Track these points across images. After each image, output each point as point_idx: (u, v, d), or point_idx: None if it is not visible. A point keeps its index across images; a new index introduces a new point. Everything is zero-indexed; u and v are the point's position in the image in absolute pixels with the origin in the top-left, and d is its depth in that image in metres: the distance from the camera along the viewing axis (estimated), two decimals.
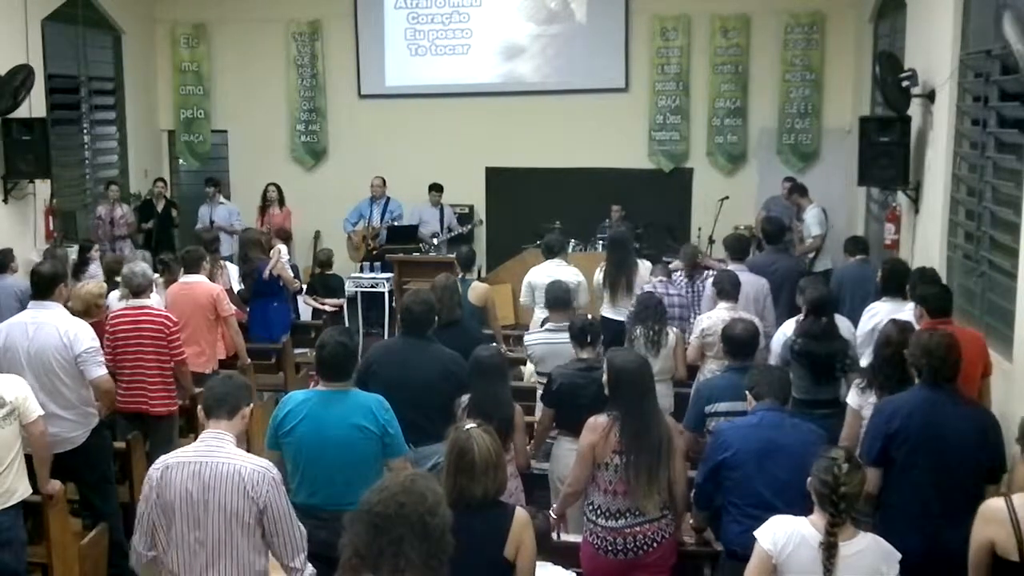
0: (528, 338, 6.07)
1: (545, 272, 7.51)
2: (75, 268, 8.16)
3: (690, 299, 7.23)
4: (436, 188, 11.15)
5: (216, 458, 3.39)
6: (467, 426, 3.40)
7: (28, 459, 4.57)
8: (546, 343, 5.86)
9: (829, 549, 3.19)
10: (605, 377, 4.32)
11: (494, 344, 6.46)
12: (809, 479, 3.32)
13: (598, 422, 4.16)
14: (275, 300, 8.40)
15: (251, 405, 3.60)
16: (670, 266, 7.70)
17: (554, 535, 4.35)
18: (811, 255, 9.76)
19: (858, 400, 4.68)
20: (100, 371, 5.14)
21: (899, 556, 3.31)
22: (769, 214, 10.19)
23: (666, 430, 4.12)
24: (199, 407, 3.62)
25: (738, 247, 7.36)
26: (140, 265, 6.18)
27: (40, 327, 5.06)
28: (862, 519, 3.83)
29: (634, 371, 4.18)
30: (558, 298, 6.10)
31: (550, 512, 4.51)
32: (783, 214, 10.12)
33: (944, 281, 5.91)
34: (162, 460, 3.49)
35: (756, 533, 3.36)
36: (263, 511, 3.37)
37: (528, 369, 6.62)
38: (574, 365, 5.13)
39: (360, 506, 2.55)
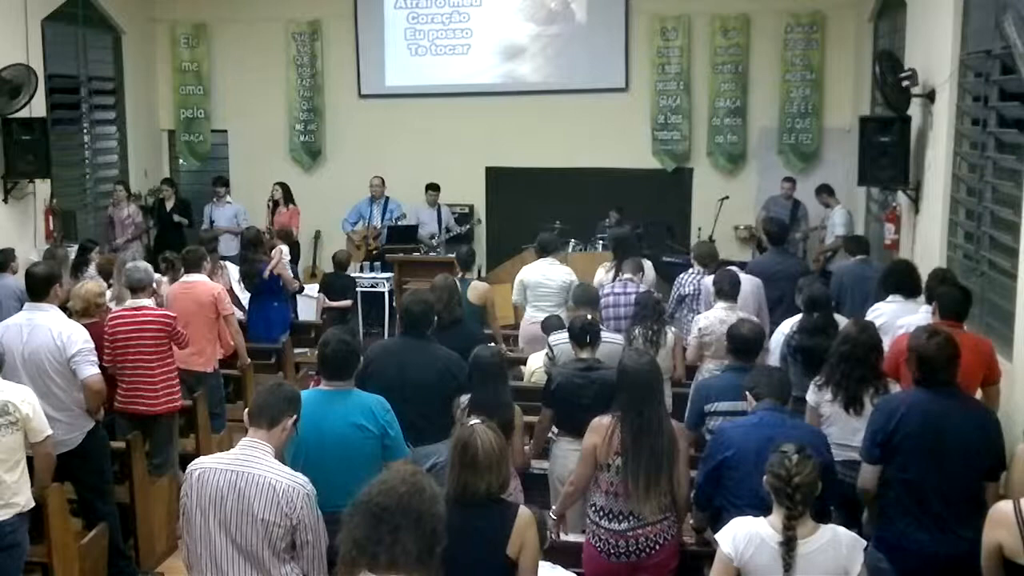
0: (552, 338, 6.04)
1: (537, 271, 7.54)
2: (74, 267, 8.17)
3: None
4: (433, 188, 11.11)
5: (251, 468, 3.35)
6: (472, 422, 3.41)
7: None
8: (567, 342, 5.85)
9: (788, 543, 3.19)
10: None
11: (493, 344, 6.45)
12: (764, 478, 3.32)
13: (602, 423, 4.16)
14: (275, 300, 8.39)
15: (295, 417, 3.52)
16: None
17: (552, 535, 4.35)
18: (828, 254, 9.82)
19: (815, 397, 4.69)
20: (91, 370, 5.11)
21: (864, 544, 3.31)
22: (769, 214, 10.25)
23: (670, 435, 4.10)
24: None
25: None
26: (143, 263, 6.20)
27: (35, 329, 5.06)
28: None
29: (637, 373, 4.15)
30: (591, 297, 6.12)
31: (550, 512, 4.51)
32: (782, 214, 10.18)
33: None
34: (197, 463, 3.47)
35: (717, 536, 3.36)
36: (296, 527, 3.34)
37: (528, 369, 6.61)
38: (573, 365, 5.12)
39: (360, 498, 2.56)
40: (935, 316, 4.91)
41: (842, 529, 3.33)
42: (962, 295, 4.97)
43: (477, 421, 3.42)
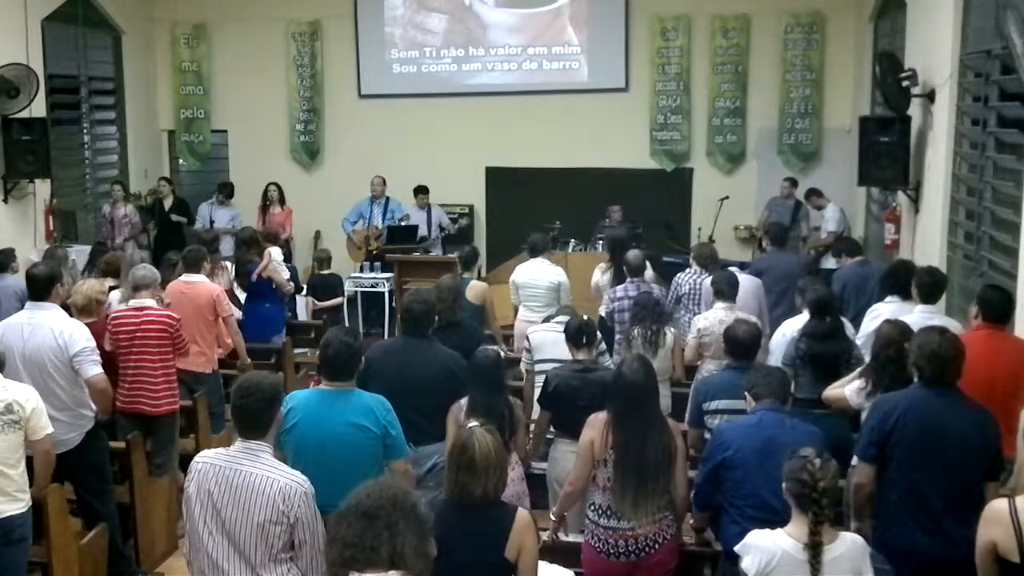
0: (531, 329, 6.09)
1: (527, 271, 7.58)
2: (88, 267, 8.18)
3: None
4: (422, 190, 11.06)
5: (249, 467, 3.36)
6: (471, 424, 3.41)
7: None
8: (545, 331, 5.91)
9: (814, 548, 3.20)
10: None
11: (490, 347, 6.45)
12: (784, 485, 3.33)
13: (598, 418, 4.17)
14: (266, 301, 8.36)
15: (280, 410, 3.57)
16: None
17: (552, 537, 4.34)
18: (820, 249, 9.86)
19: (861, 402, 4.67)
20: (95, 370, 5.12)
21: (870, 549, 3.36)
22: (771, 215, 10.29)
23: (665, 441, 4.08)
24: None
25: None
26: (147, 264, 6.21)
27: (36, 328, 5.06)
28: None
29: (628, 384, 4.13)
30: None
31: (550, 514, 4.50)
32: (784, 215, 10.20)
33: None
34: (200, 456, 3.49)
35: (742, 558, 3.36)
36: (294, 525, 3.35)
37: (523, 369, 6.61)
38: (570, 367, 5.12)
39: (347, 504, 2.57)
40: (977, 319, 4.87)
41: (858, 536, 3.38)
42: (1004, 297, 4.88)
43: (476, 424, 3.41)
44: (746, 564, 3.32)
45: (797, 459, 3.30)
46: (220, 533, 3.36)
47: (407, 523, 2.48)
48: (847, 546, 3.28)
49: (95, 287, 5.93)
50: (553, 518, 4.43)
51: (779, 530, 3.33)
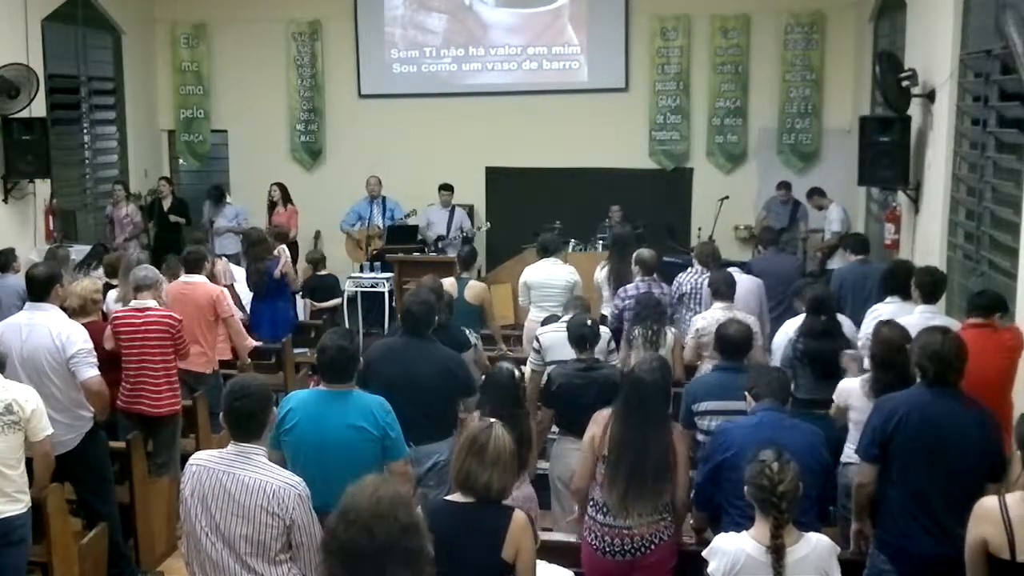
0: (540, 330, 6.09)
1: (541, 271, 7.53)
2: (84, 266, 8.17)
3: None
4: (446, 188, 10.88)
5: (243, 470, 3.36)
6: (491, 420, 3.45)
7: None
8: (556, 331, 5.88)
9: (777, 551, 3.22)
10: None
11: (505, 364, 6.40)
12: (745, 489, 3.34)
13: (602, 414, 4.20)
14: (281, 300, 8.40)
15: (274, 410, 3.57)
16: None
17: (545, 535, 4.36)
18: (825, 251, 9.86)
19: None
20: (90, 372, 5.09)
21: (838, 549, 3.37)
22: (768, 215, 10.29)
23: (667, 443, 4.08)
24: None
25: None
26: (148, 265, 6.21)
27: (34, 329, 5.06)
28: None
29: (638, 381, 4.13)
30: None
31: (567, 518, 4.51)
32: (782, 215, 10.20)
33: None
34: (195, 457, 3.50)
35: (704, 555, 3.39)
36: (290, 527, 3.35)
37: (528, 369, 6.60)
38: (573, 366, 5.13)
39: (331, 534, 2.54)
40: (971, 317, 4.90)
41: (821, 536, 3.40)
42: (995, 295, 4.95)
43: (496, 421, 3.44)
44: (712, 568, 3.34)
45: (756, 463, 3.31)
46: (216, 535, 3.37)
47: (398, 562, 2.46)
48: (811, 547, 3.29)
49: (88, 287, 5.92)
50: (575, 521, 4.44)
51: (744, 533, 3.35)
